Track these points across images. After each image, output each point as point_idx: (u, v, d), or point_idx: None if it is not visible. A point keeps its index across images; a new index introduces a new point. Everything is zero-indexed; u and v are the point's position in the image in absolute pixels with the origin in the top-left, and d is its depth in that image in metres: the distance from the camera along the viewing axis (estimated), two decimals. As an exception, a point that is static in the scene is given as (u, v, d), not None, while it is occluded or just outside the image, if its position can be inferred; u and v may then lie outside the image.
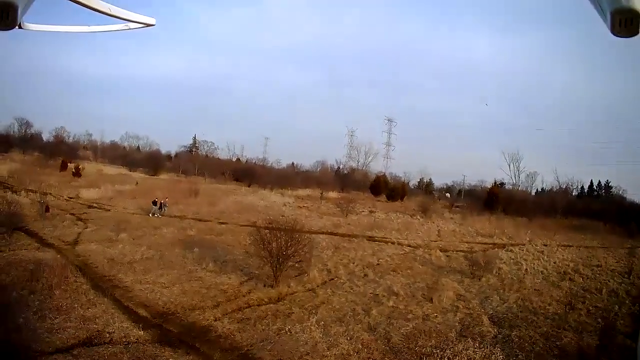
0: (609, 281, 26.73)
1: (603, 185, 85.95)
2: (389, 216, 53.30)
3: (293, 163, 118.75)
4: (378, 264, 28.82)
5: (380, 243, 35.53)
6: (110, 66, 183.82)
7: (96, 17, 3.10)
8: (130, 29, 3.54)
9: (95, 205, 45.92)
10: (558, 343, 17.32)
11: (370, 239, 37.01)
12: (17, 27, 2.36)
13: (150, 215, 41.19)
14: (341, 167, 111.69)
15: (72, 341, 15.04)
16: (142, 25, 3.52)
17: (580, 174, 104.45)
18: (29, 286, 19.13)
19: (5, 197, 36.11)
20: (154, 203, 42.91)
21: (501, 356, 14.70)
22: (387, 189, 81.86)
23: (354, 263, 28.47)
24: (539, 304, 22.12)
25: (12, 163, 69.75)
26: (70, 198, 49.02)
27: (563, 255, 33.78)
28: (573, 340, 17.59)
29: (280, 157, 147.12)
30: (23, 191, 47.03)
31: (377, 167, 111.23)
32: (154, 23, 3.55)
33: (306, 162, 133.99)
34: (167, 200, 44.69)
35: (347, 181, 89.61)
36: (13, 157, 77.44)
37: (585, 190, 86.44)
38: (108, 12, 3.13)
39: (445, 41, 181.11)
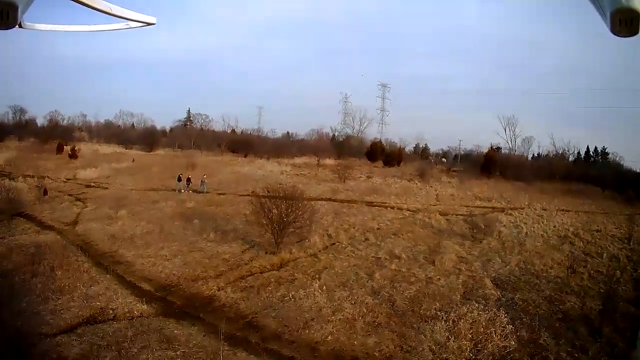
0: (609, 246, 26.61)
1: (600, 151, 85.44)
2: (386, 181, 53.08)
3: (288, 132, 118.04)
4: (378, 228, 28.85)
5: (379, 208, 35.53)
6: (101, 46, 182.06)
7: (96, 16, 3.08)
8: (130, 27, 3.50)
9: (93, 184, 45.76)
10: (561, 307, 17.42)
11: (369, 204, 36.94)
12: (17, 26, 2.33)
13: (177, 191, 40.60)
14: (336, 134, 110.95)
15: (76, 320, 15.07)
16: (142, 24, 3.50)
17: (576, 140, 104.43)
18: (31, 269, 19.11)
19: (3, 184, 35.74)
20: (179, 179, 42.23)
21: (506, 319, 14.54)
22: (383, 154, 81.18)
23: (354, 228, 28.49)
24: (540, 267, 22.15)
25: (8, 151, 69.37)
26: (68, 179, 48.86)
27: (562, 220, 33.68)
28: (576, 304, 17.63)
29: (275, 126, 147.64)
30: (20, 177, 46.54)
31: (372, 133, 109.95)
32: (154, 22, 3.53)
33: (301, 130, 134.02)
34: (205, 177, 43.33)
35: (343, 148, 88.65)
36: (8, 145, 76.84)
37: (582, 156, 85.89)
38: (109, 11, 3.09)
39: (439, 5, 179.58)
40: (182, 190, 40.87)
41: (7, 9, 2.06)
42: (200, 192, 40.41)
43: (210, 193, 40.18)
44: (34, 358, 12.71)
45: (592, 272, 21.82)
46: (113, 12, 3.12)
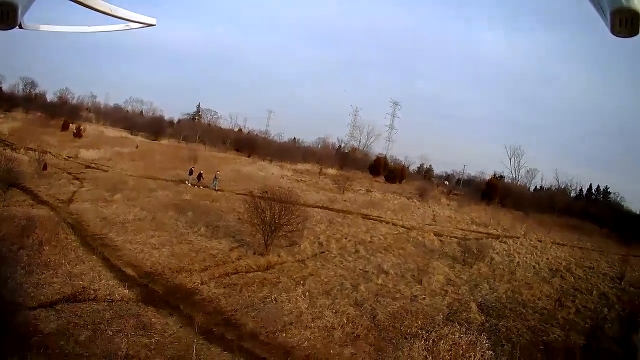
0: (600, 284, 26.63)
1: (602, 190, 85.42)
2: (385, 196, 53.17)
3: (295, 138, 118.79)
4: (370, 242, 28.83)
5: (374, 221, 35.54)
6: (119, 33, 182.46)
7: (96, 17, 3.03)
8: (131, 28, 3.46)
9: (93, 165, 45.90)
10: (545, 338, 17.30)
11: (365, 216, 36.99)
12: (17, 27, 2.28)
13: (187, 183, 40.57)
14: (342, 145, 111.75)
15: (56, 296, 15.10)
16: (143, 25, 3.45)
17: (580, 176, 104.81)
18: (19, 241, 19.10)
19: (4, 154, 35.59)
20: (190, 172, 42.20)
21: (487, 344, 14.52)
22: (386, 170, 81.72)
23: (346, 238, 28.48)
24: (528, 297, 22.03)
25: (14, 122, 69.76)
26: (69, 158, 49.06)
27: (556, 253, 33.64)
28: (560, 337, 17.56)
29: (282, 131, 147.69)
30: (22, 149, 46.77)
31: (378, 148, 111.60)
32: (154, 23, 3.49)
33: (308, 137, 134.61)
34: (219, 173, 43.00)
35: (347, 160, 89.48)
36: (15, 116, 77.31)
37: (584, 193, 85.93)
38: (109, 12, 3.04)
39: (458, 32, 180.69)
40: (193, 185, 40.62)
41: (7, 9, 2.04)
42: (216, 190, 40.13)
43: (207, 187, 40.24)
44: (10, 328, 12.69)
45: (579, 307, 21.75)
46: (113, 12, 3.08)
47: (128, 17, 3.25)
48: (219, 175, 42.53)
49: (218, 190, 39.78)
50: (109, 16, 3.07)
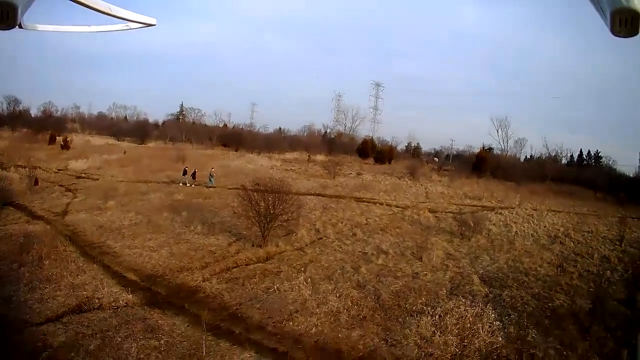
0: (601, 247, 26.35)
1: (593, 154, 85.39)
2: (376, 178, 53.19)
3: (280, 128, 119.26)
4: (366, 224, 28.85)
5: (368, 204, 35.51)
6: (99, 40, 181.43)
7: (96, 17, 3.06)
8: (130, 28, 3.49)
9: (83, 175, 45.95)
10: (550, 304, 17.20)
11: (358, 199, 36.98)
12: (17, 26, 2.31)
13: (181, 184, 40.21)
14: (328, 131, 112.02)
15: (62, 309, 15.12)
16: (142, 25, 3.47)
17: (570, 143, 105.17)
18: (20, 259, 19.16)
19: (-5, 174, 35.83)
20: (184, 172, 42.02)
21: (493, 315, 14.61)
22: (374, 151, 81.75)
23: (342, 223, 28.52)
24: (530, 265, 21.95)
25: (1, 140, 69.43)
26: (59, 170, 49.15)
27: (553, 220, 33.46)
28: (565, 302, 17.43)
29: (267, 122, 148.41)
30: (12, 167, 46.85)
31: (364, 131, 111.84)
32: (154, 23, 3.50)
33: (293, 127, 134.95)
34: (214, 170, 42.68)
35: (334, 145, 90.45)
36: (2, 135, 76.89)
37: (575, 159, 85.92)
38: (108, 12, 3.07)
39: (436, 7, 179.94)
40: (189, 184, 40.48)
41: (7, 9, 2.08)
42: (209, 187, 39.71)
43: (200, 185, 40.22)
44: (19, 345, 12.75)
45: (582, 271, 21.63)
46: (113, 12, 3.11)
47: (127, 17, 3.28)
48: (214, 172, 42.24)
49: (210, 187, 39.63)
50: (108, 16, 3.11)
